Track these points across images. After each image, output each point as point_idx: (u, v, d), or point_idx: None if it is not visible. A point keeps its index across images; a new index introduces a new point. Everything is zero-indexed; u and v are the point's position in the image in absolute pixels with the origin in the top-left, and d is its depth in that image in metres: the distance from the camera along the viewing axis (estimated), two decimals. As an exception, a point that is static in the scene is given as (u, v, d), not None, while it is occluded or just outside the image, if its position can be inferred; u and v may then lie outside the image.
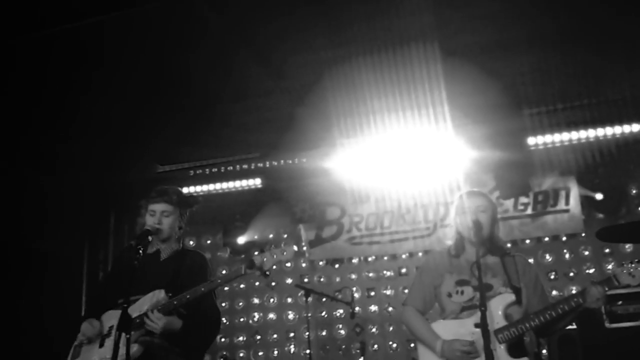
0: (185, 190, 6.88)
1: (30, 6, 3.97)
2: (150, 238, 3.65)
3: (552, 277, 6.96)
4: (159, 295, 3.51)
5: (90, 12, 4.04)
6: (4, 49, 4.35)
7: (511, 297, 3.39)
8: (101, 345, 3.56)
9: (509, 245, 3.72)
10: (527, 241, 7.08)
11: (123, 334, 3.07)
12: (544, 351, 5.61)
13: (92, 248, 6.80)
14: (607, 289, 3.25)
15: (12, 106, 5.18)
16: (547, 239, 7.06)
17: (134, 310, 3.38)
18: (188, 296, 3.43)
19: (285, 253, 3.39)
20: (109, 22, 4.17)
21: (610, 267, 6.81)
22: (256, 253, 3.45)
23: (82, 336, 3.61)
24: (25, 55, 4.48)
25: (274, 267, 3.46)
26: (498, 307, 3.37)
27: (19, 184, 6.08)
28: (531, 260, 6.77)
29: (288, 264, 7.98)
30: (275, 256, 3.38)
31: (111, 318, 3.63)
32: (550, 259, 7.05)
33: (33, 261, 6.38)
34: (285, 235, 7.93)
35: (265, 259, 3.38)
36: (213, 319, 3.66)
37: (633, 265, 3.21)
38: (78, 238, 6.81)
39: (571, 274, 6.96)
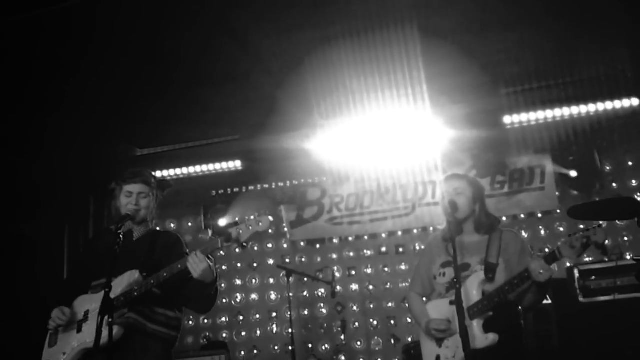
0: (165, 173, 6.90)
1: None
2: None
3: (528, 253, 7.09)
4: (134, 275, 3.50)
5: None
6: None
7: (483, 275, 3.50)
8: (79, 331, 3.54)
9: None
10: (504, 219, 7.19)
11: (105, 318, 3.09)
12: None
13: (72, 232, 6.77)
14: (550, 261, 3.25)
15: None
16: (523, 216, 7.20)
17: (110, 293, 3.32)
18: (165, 274, 3.41)
19: (260, 224, 3.34)
20: (88, 6, 4.12)
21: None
22: (231, 226, 3.38)
23: (54, 323, 3.57)
24: (8, 36, 4.42)
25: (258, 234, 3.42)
26: (473, 285, 3.49)
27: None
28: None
29: (270, 245, 8.04)
30: (251, 227, 3.33)
31: (84, 303, 3.61)
32: (526, 236, 7.18)
33: (12, 244, 6.34)
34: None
35: (241, 231, 3.34)
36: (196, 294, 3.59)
37: (576, 236, 3.23)
38: (58, 222, 6.77)
39: (546, 250, 7.07)
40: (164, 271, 3.42)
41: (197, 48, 4.90)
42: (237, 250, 7.88)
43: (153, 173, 3.90)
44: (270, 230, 7.74)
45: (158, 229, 3.94)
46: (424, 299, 3.85)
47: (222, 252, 8.03)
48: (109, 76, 5.14)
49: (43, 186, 6.32)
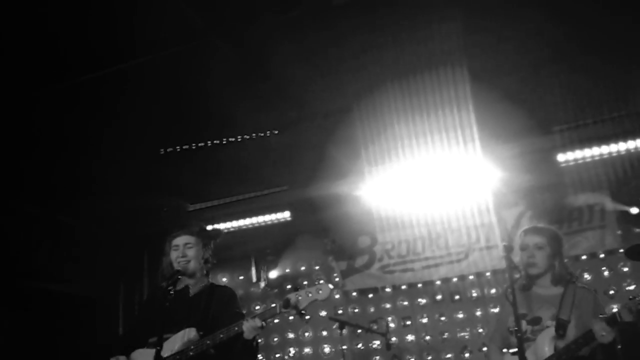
0: (216, 226, 6.94)
1: (60, 59, 4.15)
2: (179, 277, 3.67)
3: (592, 296, 6.79)
4: (190, 334, 3.50)
5: (111, 61, 4.21)
6: (31, 98, 4.51)
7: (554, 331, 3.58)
8: (135, 386, 3.55)
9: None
10: (565, 260, 6.93)
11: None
12: None
13: (127, 290, 6.85)
14: (612, 324, 3.35)
15: (45, 154, 5.29)
16: (584, 257, 6.88)
17: (166, 350, 3.37)
18: (221, 335, 3.41)
19: (320, 292, 3.35)
20: (129, 69, 4.30)
21: (653, 281, 6.65)
22: (291, 291, 3.45)
23: None
24: (52, 103, 4.62)
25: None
26: (545, 340, 3.58)
27: (53, 228, 6.17)
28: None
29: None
30: (310, 295, 3.35)
31: (141, 357, 3.62)
32: (588, 278, 6.87)
33: (69, 305, 6.43)
34: (317, 267, 7.87)
35: (300, 298, 3.35)
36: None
37: (634, 300, 3.34)
38: (113, 280, 6.87)
39: (611, 292, 6.75)
40: (221, 332, 3.42)
41: (239, 100, 4.97)
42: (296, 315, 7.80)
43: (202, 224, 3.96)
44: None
45: (214, 282, 3.96)
46: (504, 350, 3.86)
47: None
48: (155, 135, 5.25)
49: (98, 246, 6.44)
